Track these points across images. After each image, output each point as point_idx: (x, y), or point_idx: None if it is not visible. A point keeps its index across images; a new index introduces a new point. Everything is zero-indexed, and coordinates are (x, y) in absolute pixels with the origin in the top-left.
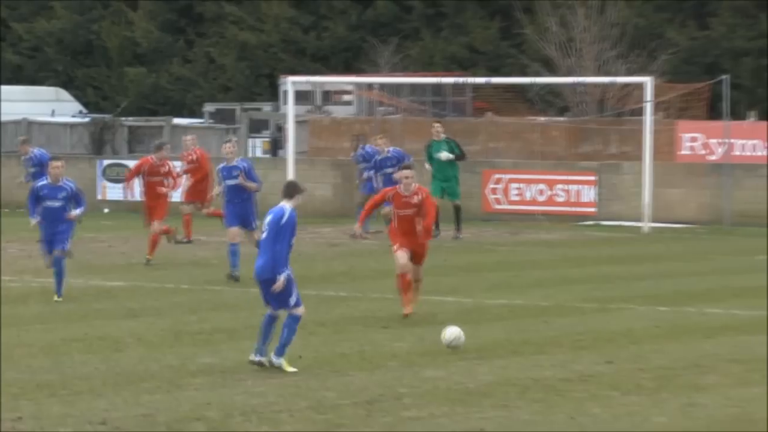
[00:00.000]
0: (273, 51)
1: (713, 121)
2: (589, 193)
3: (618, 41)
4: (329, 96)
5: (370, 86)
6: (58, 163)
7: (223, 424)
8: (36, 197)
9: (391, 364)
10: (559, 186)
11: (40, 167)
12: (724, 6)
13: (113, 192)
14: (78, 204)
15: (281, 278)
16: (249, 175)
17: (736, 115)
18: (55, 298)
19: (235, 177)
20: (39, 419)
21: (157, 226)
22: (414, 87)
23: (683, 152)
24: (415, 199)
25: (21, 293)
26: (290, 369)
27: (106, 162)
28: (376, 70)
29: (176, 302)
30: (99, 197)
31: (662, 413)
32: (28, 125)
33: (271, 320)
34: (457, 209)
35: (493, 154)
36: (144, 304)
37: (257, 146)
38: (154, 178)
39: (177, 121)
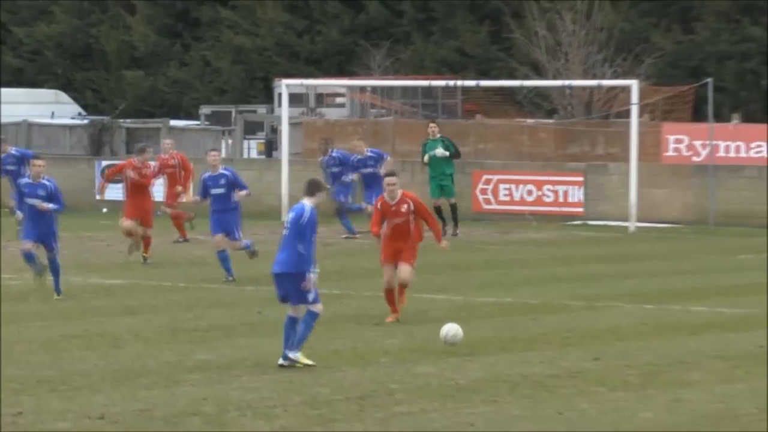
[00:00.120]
0: (267, 54)
1: (698, 123)
2: (576, 194)
3: (605, 45)
4: (322, 98)
5: (362, 89)
6: (40, 162)
7: (219, 419)
8: (19, 194)
9: (383, 361)
10: (547, 186)
11: (18, 166)
12: (708, 11)
13: (111, 192)
14: (55, 202)
15: (312, 277)
16: (236, 182)
17: (720, 117)
18: (55, 296)
19: (222, 186)
20: (39, 414)
21: (144, 230)
22: (405, 90)
23: (668, 154)
24: (404, 208)
25: (21, 291)
26: (307, 362)
27: (104, 163)
28: (368, 74)
29: (173, 300)
30: (98, 197)
31: (648, 409)
32: (29, 127)
33: (292, 322)
34: (454, 207)
35: (482, 155)
36: (142, 301)
37: (252, 148)
38: (137, 180)
39: (174, 122)
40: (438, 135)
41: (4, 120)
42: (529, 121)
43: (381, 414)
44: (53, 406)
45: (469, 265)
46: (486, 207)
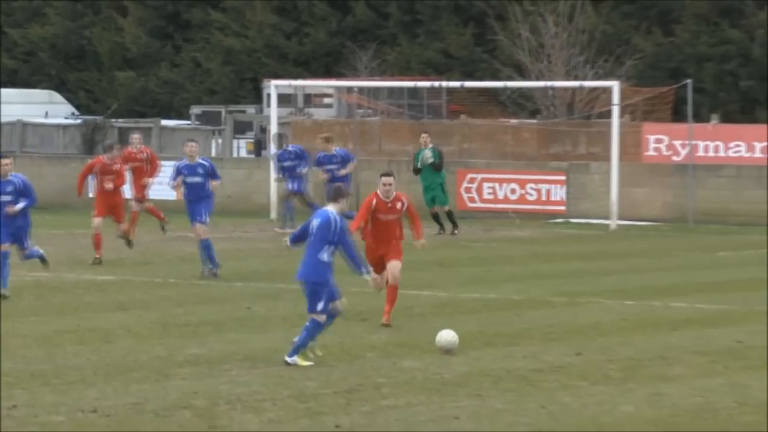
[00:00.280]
0: (257, 56)
1: (677, 123)
2: (558, 192)
3: (586, 47)
4: (310, 99)
5: (349, 90)
6: (7, 161)
7: (209, 412)
8: None
9: (369, 355)
10: (530, 185)
11: None
12: (688, 13)
13: None
14: (26, 198)
15: (369, 279)
16: (213, 172)
17: (699, 117)
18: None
19: (200, 175)
20: (33, 407)
21: (126, 225)
22: (392, 90)
23: (649, 153)
24: (399, 205)
25: (15, 287)
26: (305, 363)
27: None
28: (355, 75)
29: (164, 296)
30: (90, 195)
31: (629, 402)
32: (23, 126)
33: (329, 319)
34: (449, 213)
35: (467, 154)
36: (133, 297)
37: (242, 147)
38: (107, 176)
39: (165, 122)
40: (430, 145)
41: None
42: (513, 121)
43: (368, 407)
44: (47, 399)
45: (453, 262)
46: (470, 205)
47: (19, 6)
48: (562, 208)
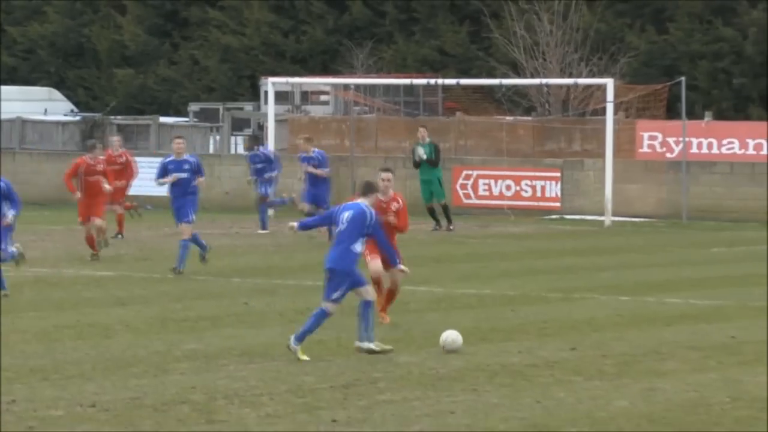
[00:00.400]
0: (254, 53)
1: (671, 120)
2: (553, 189)
3: (581, 45)
4: (307, 96)
5: (346, 87)
6: None
7: (207, 407)
8: None
9: None
10: (525, 182)
11: None
12: (681, 12)
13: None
14: (11, 203)
15: (403, 267)
16: (199, 168)
17: (693, 115)
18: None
19: (186, 171)
20: (32, 402)
21: (99, 222)
22: (388, 88)
23: (643, 150)
24: (394, 206)
25: (15, 282)
26: (304, 357)
27: None
28: (351, 72)
29: (163, 291)
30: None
31: (623, 397)
32: (22, 123)
33: (366, 306)
34: (445, 208)
35: (462, 151)
36: (132, 293)
37: (239, 143)
38: (91, 177)
39: (163, 119)
40: (427, 140)
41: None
42: (508, 118)
43: (364, 402)
44: (46, 394)
45: (449, 258)
46: (466, 201)
47: (19, 4)
48: (557, 204)
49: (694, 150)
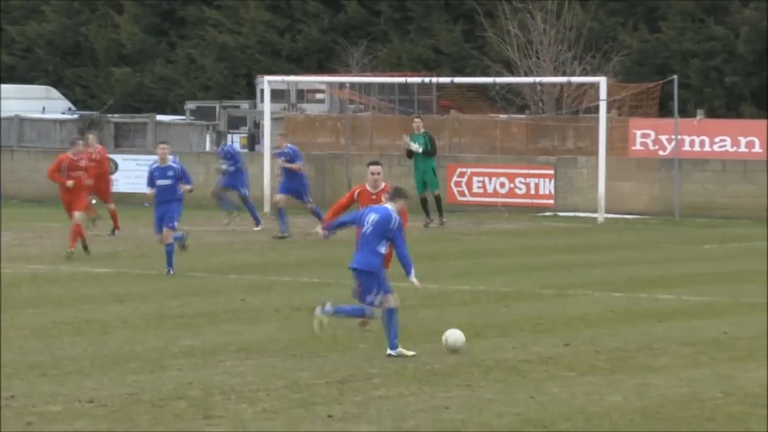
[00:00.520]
0: (250, 52)
1: (663, 118)
2: (547, 186)
3: (574, 43)
4: (303, 94)
5: (341, 85)
6: None
7: (204, 402)
8: None
9: (362, 346)
10: (519, 179)
11: None
12: (674, 11)
13: None
14: None
15: (415, 281)
16: (183, 175)
17: (685, 113)
18: None
19: (169, 177)
20: (30, 398)
21: (78, 216)
22: (383, 86)
23: (635, 148)
24: (384, 197)
25: (14, 279)
26: (409, 353)
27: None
28: (347, 71)
29: (160, 288)
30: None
31: (617, 393)
32: (20, 122)
33: (389, 314)
34: (438, 199)
35: (457, 149)
36: (129, 289)
37: (236, 142)
38: (74, 173)
39: (160, 118)
40: (422, 130)
41: None
42: (502, 116)
43: (360, 398)
44: (44, 390)
45: (444, 255)
46: (460, 199)
47: (17, 4)
48: (551, 201)
49: (687, 148)
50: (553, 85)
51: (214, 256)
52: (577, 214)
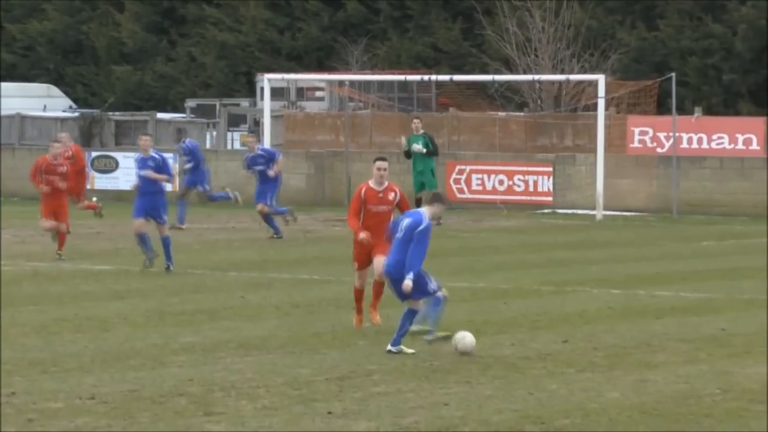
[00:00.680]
0: (250, 50)
1: (661, 116)
2: (545, 183)
3: (572, 41)
4: (303, 92)
5: (341, 83)
6: None
7: (204, 399)
8: None
9: (361, 343)
10: (518, 176)
11: None
12: (672, 8)
13: (101, 182)
14: None
15: (408, 282)
16: (163, 165)
17: (683, 110)
18: None
19: (149, 167)
20: (31, 395)
21: (64, 227)
22: (382, 84)
23: (634, 145)
24: (391, 196)
25: (14, 276)
26: (409, 350)
27: (94, 154)
28: (346, 68)
29: (160, 285)
30: (88, 187)
31: (615, 389)
32: (22, 119)
33: (410, 314)
34: None
35: (456, 146)
36: (130, 286)
37: (235, 139)
38: (50, 176)
39: (160, 115)
40: (421, 131)
41: None
42: (501, 114)
43: (359, 394)
44: (45, 386)
45: (443, 252)
46: (459, 196)
47: (18, 2)
48: (549, 198)
49: (684, 145)
50: (552, 82)
51: (214, 253)
52: (575, 211)
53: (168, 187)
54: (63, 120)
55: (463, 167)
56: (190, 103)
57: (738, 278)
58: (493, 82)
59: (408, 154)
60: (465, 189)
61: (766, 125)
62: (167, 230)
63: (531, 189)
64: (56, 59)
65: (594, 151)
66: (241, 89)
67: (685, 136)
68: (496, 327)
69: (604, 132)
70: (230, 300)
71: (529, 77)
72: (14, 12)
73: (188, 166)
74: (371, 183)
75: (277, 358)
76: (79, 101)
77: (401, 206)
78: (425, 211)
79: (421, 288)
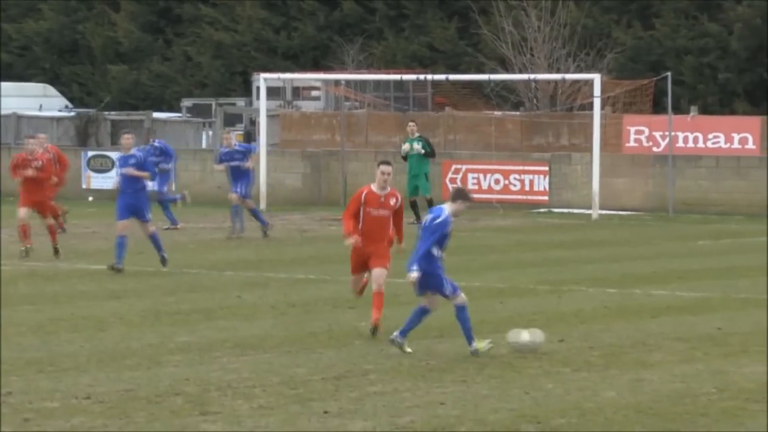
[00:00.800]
0: (246, 50)
1: (657, 115)
2: (541, 183)
3: (568, 41)
4: (299, 92)
5: (336, 83)
6: None
7: (200, 399)
8: None
9: (357, 342)
10: (514, 176)
11: None
12: (667, 8)
13: (97, 181)
14: None
15: (412, 275)
16: (144, 163)
17: (679, 109)
18: None
19: (131, 166)
20: (27, 394)
21: (52, 220)
22: (378, 83)
23: (629, 144)
24: (392, 201)
25: (11, 276)
26: (485, 345)
27: (90, 153)
28: (342, 68)
29: (156, 284)
30: (84, 186)
31: (611, 388)
32: (18, 119)
33: (421, 312)
34: (430, 202)
35: (451, 146)
36: (126, 286)
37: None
38: (26, 171)
39: (156, 115)
40: (416, 134)
41: None
42: (497, 113)
43: (356, 393)
44: (41, 386)
45: None
46: None
47: (14, 2)
48: (545, 198)
49: (680, 144)
50: (548, 82)
51: (210, 253)
52: (571, 210)
53: (149, 185)
54: (59, 119)
55: (459, 166)
56: (186, 102)
57: (734, 277)
58: (489, 81)
59: (405, 157)
60: None
61: (761, 124)
62: (152, 227)
63: (527, 188)
64: (52, 59)
65: (590, 150)
66: (237, 89)
67: (680, 135)
68: (493, 326)
69: (599, 131)
70: (226, 299)
71: (524, 76)
72: (10, 11)
73: (165, 166)
74: (373, 186)
75: (273, 358)
76: (75, 101)
77: (395, 215)
78: (446, 207)
79: (432, 284)
